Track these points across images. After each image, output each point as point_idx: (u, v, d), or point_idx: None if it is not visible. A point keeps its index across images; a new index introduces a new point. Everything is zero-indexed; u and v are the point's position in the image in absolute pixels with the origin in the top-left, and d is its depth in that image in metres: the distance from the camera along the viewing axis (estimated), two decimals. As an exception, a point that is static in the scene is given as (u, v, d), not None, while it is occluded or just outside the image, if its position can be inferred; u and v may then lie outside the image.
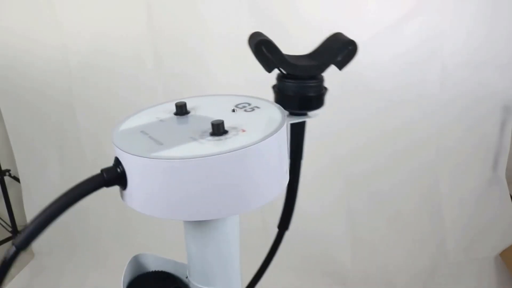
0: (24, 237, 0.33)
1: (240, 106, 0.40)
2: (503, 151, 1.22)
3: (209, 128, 0.35)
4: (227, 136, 0.34)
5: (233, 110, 0.39)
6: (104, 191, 0.92)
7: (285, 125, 0.36)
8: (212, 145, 0.33)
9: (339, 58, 0.38)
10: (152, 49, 1.21)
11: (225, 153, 0.31)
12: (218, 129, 0.34)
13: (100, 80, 1.26)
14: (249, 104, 0.40)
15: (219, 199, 0.33)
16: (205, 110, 0.40)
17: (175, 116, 0.39)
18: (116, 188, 0.37)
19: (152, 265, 0.50)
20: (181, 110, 0.39)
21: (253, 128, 0.35)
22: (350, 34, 0.94)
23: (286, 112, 0.39)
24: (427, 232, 1.26)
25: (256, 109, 0.39)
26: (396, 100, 1.18)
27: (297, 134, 0.42)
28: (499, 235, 1.26)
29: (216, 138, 0.33)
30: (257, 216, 1.30)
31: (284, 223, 0.50)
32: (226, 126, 0.35)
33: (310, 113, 0.41)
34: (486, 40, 1.13)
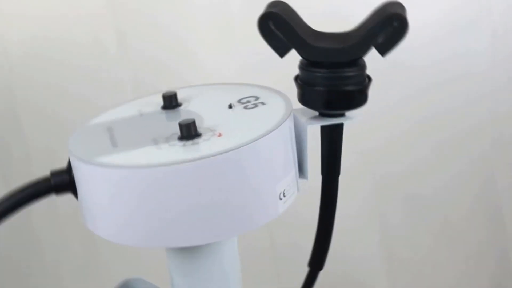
0: None
1: (243, 100, 0.39)
2: None
3: None
4: (196, 140, 0.33)
5: (230, 106, 0.38)
6: (63, 217, 0.90)
7: (275, 134, 0.34)
8: (167, 151, 0.32)
9: (380, 40, 0.34)
10: (114, 29, 1.14)
11: (163, 166, 0.30)
12: (187, 131, 0.33)
13: (49, 76, 1.20)
14: (256, 99, 0.39)
15: (161, 222, 0.31)
16: (200, 103, 0.40)
17: (161, 110, 0.40)
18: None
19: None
20: (170, 102, 0.39)
21: (234, 134, 0.33)
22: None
23: (314, 113, 0.37)
24: (484, 244, 1.21)
25: (260, 106, 0.37)
26: (436, 78, 1.12)
27: (330, 143, 0.40)
28: None
29: (182, 142, 0.33)
30: (264, 234, 1.30)
31: (317, 261, 0.48)
32: (205, 126, 0.34)
33: (348, 113, 0.38)
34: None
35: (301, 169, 0.38)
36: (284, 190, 0.35)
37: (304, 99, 0.38)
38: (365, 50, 0.35)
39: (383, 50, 0.35)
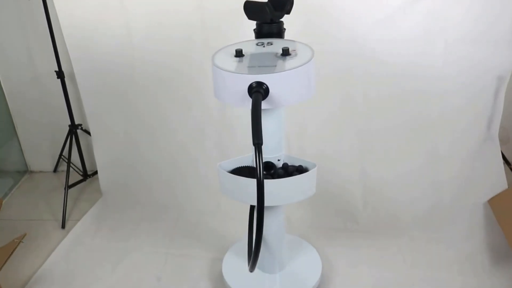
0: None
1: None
2: (496, 114, 1.64)
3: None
4: (290, 57, 1.03)
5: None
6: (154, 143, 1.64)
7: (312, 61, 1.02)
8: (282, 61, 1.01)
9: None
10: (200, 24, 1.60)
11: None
12: (286, 52, 1.04)
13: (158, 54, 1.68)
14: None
15: (302, 88, 1.03)
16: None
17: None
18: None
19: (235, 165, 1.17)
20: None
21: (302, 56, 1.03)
22: (364, 15, 1.42)
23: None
24: (427, 185, 1.69)
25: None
26: (405, 69, 1.56)
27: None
28: (489, 184, 1.68)
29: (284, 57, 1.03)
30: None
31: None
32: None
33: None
34: (480, 19, 1.49)
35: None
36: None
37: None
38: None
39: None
